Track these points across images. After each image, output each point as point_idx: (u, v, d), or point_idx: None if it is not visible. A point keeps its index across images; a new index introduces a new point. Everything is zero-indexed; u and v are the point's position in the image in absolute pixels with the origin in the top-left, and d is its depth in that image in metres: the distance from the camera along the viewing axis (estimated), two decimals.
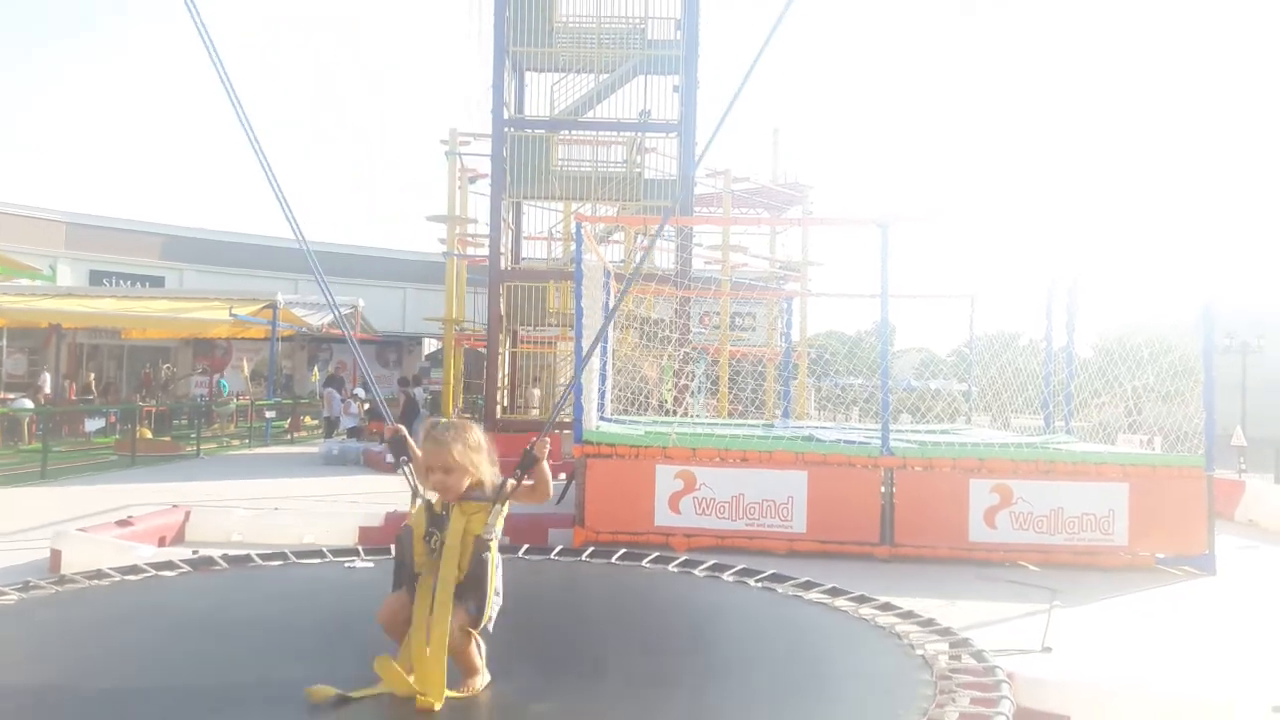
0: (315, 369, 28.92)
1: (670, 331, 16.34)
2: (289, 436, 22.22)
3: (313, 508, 11.08)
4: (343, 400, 22.02)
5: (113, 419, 19.58)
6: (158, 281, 32.97)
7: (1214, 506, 8.85)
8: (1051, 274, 12.28)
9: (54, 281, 28.69)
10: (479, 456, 3.62)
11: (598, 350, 11.67)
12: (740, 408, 16.33)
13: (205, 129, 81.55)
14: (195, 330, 25.41)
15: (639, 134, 19.29)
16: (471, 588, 3.44)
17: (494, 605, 3.52)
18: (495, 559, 3.52)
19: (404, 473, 3.79)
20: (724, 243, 22.05)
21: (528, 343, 19.96)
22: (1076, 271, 12.03)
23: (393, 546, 3.87)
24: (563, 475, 12.39)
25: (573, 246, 11.85)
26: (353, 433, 20.40)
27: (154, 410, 21.49)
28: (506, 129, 18.50)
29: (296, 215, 4.29)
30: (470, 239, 23.72)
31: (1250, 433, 17.39)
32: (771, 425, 13.35)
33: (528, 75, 20.28)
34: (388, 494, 12.31)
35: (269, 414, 21.85)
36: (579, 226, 10.50)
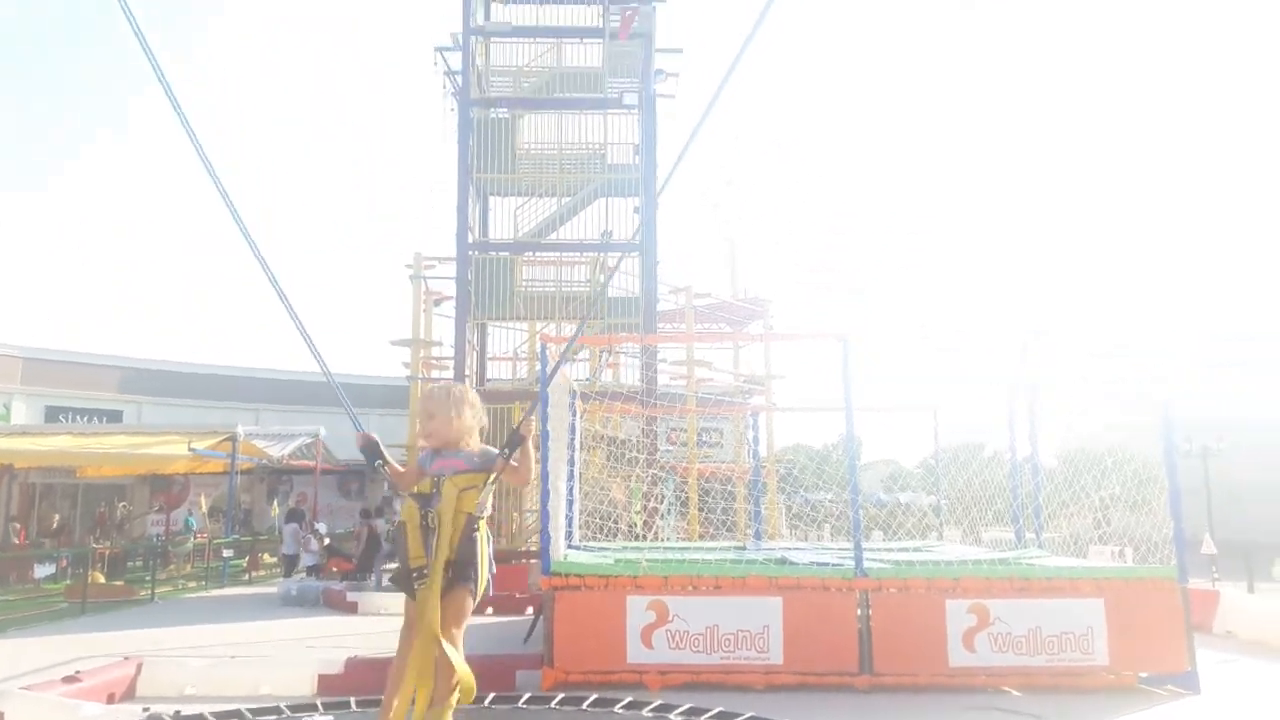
0: (275, 502, 28.31)
1: (638, 452, 16.22)
2: (247, 576, 21.56)
3: (272, 653, 10.65)
4: (303, 535, 21.48)
5: (64, 563, 18.91)
6: (115, 416, 32.39)
7: (1191, 619, 8.76)
8: (1011, 383, 12.40)
9: (8, 420, 28.14)
10: (467, 408, 3.99)
11: (564, 475, 11.52)
12: (712, 529, 16.13)
13: (164, 260, 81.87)
14: (153, 466, 24.85)
15: (601, 254, 19.59)
16: (466, 564, 3.69)
17: (488, 579, 3.80)
18: (485, 534, 3.78)
19: (382, 473, 4.04)
20: (689, 358, 22.19)
21: None
22: (1035, 379, 12.15)
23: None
24: (530, 609, 12.07)
25: (538, 366, 11.82)
26: (312, 570, 19.82)
27: (108, 552, 20.81)
28: (471, 252, 18.71)
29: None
30: (435, 362, 23.68)
31: (1219, 537, 17.42)
32: (744, 547, 13.15)
33: (492, 200, 20.66)
34: (348, 636, 11.91)
35: (226, 553, 21.22)
36: (544, 347, 10.50)
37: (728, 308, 25.02)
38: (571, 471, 12.17)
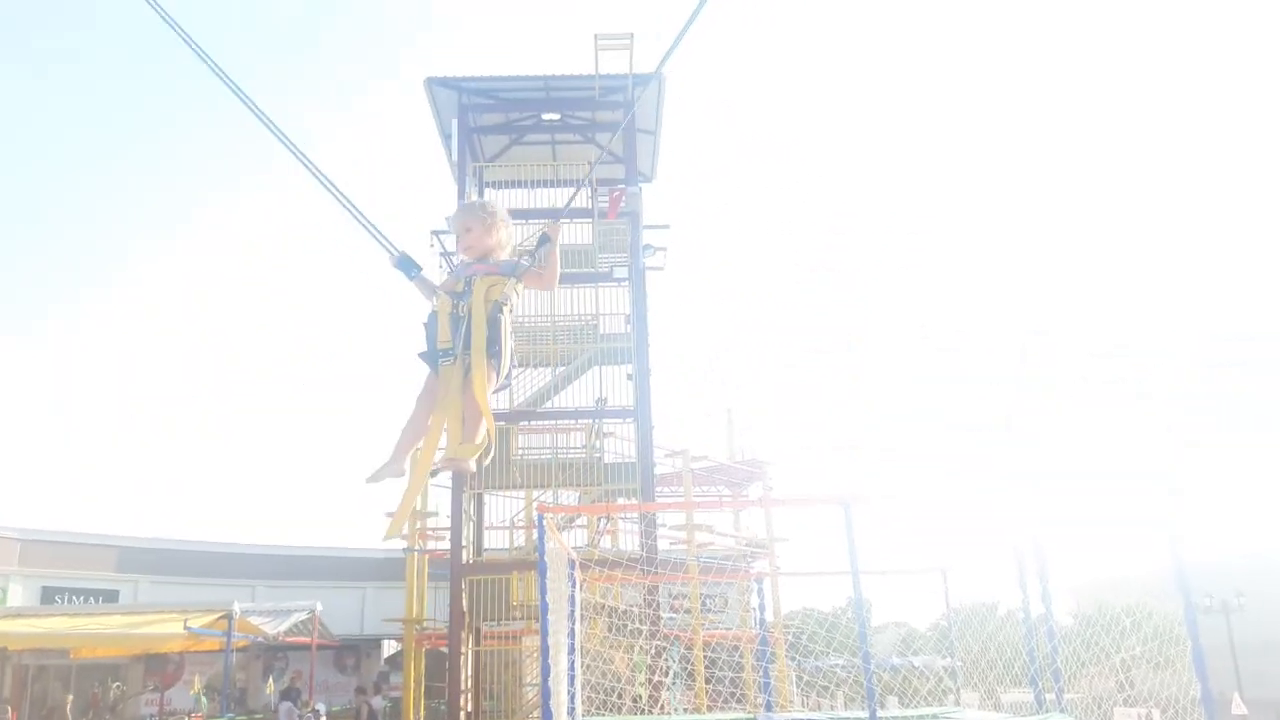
0: (270, 679, 27.37)
1: (640, 621, 15.81)
2: None
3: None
4: (300, 715, 20.68)
5: None
6: (111, 596, 31.74)
7: None
8: (1017, 540, 12.19)
9: (4, 603, 27.62)
10: (495, 222, 4.14)
11: (565, 646, 11.17)
12: (720, 699, 15.52)
13: (159, 436, 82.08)
14: (148, 646, 24.15)
15: (597, 420, 19.68)
16: (491, 344, 3.86)
17: (511, 363, 4.03)
18: (508, 323, 3.96)
19: (416, 283, 4.21)
20: (688, 523, 21.91)
21: (491, 638, 19.17)
22: (1040, 536, 11.94)
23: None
24: None
25: (535, 534, 11.64)
26: None
27: None
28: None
29: None
30: (431, 532, 23.39)
31: (1247, 695, 16.74)
32: (754, 718, 12.62)
33: None
34: None
35: None
36: (541, 517, 10.37)
37: (726, 470, 24.87)
38: (572, 644, 11.82)
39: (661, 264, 21.11)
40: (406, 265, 4.17)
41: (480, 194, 20.91)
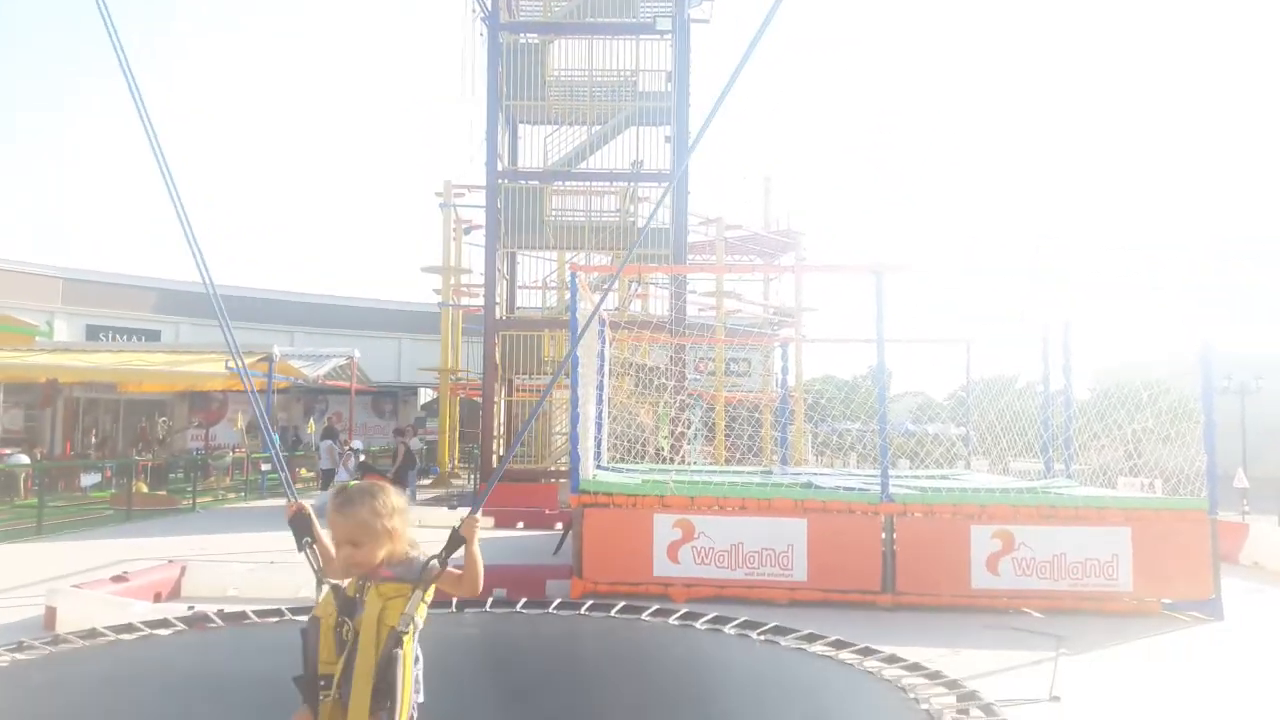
0: (311, 421, 28.82)
1: (666, 379, 16.34)
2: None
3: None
4: (340, 453, 21.90)
5: (109, 474, 19.46)
6: (154, 336, 32.94)
7: (1219, 550, 8.80)
8: (1046, 317, 12.32)
9: (51, 338, 28.66)
10: (392, 523, 3.12)
11: (593, 398, 11.66)
12: (738, 454, 16.26)
13: (203, 184, 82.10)
14: (191, 384, 25.33)
15: (632, 184, 19.47)
16: (382, 688, 2.94)
17: (412, 708, 3.04)
18: (412, 654, 3.04)
19: (307, 555, 3.28)
20: (718, 290, 22.15)
21: (523, 390, 19.95)
22: (1070, 314, 12.08)
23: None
24: (559, 525, 12.33)
25: (568, 295, 11.89)
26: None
27: (150, 464, 21.36)
28: (500, 181, 18.67)
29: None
30: (465, 289, 23.82)
31: (1251, 474, 17.35)
32: (770, 472, 13.28)
33: (521, 128, 20.52)
34: None
35: (265, 467, 21.70)
36: (574, 276, 10.53)
37: (759, 239, 24.85)
38: (600, 396, 12.31)
39: (708, 15, 19.95)
40: (301, 527, 3.31)
41: None
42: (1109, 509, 8.93)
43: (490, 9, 18.80)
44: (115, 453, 25.10)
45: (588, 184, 19.65)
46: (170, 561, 9.46)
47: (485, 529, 14.39)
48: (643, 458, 13.62)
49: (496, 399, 18.88)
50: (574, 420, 9.88)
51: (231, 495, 20.46)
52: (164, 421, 28.74)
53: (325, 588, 3.14)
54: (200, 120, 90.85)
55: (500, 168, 18.98)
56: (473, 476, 21.89)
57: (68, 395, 26.34)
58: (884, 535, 8.91)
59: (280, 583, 8.96)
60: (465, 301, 24.07)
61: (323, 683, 3.00)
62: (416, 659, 3.08)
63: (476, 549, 3.14)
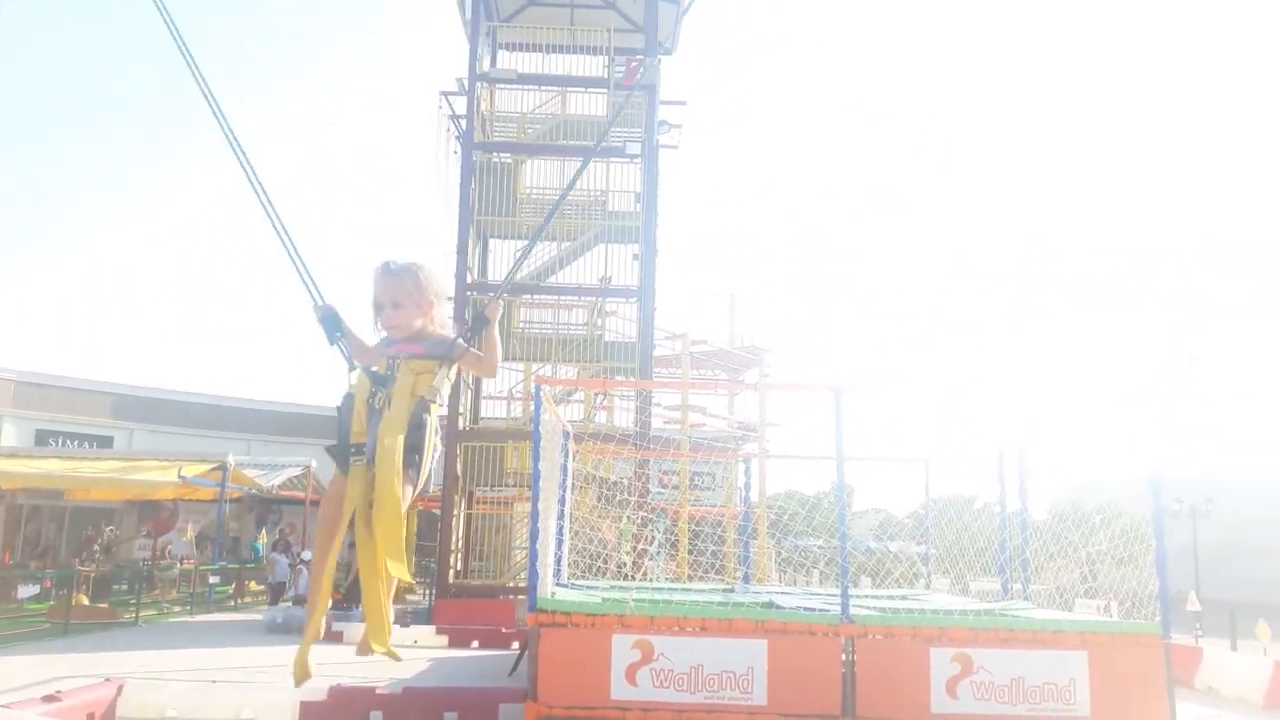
0: (263, 531, 28.18)
1: (629, 493, 16.27)
2: (233, 603, 21.43)
3: (253, 678, 10.62)
4: (291, 566, 21.42)
5: (49, 584, 18.81)
6: (106, 441, 32.29)
7: (1174, 675, 8.79)
8: (1002, 438, 12.51)
9: None
10: (431, 297, 3.53)
11: (554, 513, 11.56)
12: (700, 570, 16.12)
13: (159, 288, 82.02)
14: (142, 492, 24.73)
15: (600, 298, 19.79)
16: (411, 450, 3.30)
17: (430, 465, 3.44)
18: (435, 423, 3.43)
19: (340, 348, 3.57)
20: (683, 403, 22.29)
21: (484, 503, 19.74)
22: (1026, 436, 12.28)
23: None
24: (515, 644, 12.05)
25: (532, 406, 11.91)
26: (298, 600, 19.76)
27: (93, 574, 20.70)
28: (469, 293, 18.89)
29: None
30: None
31: (1204, 595, 17.42)
32: (732, 589, 13.15)
33: (492, 242, 20.91)
34: (332, 665, 11.82)
35: (213, 579, 21.11)
36: (538, 388, 10.58)
37: (724, 355, 25.17)
38: (562, 511, 12.22)
39: (676, 142, 20.76)
40: (330, 324, 3.56)
41: (493, 58, 20.34)
42: (1065, 633, 8.91)
43: (465, 130, 19.36)
44: (58, 562, 24.31)
45: (556, 297, 19.96)
46: (107, 680, 9.10)
47: (438, 647, 14.06)
48: (604, 574, 13.44)
49: (456, 511, 18.65)
50: (533, 536, 9.77)
51: (177, 608, 19.83)
52: (110, 530, 27.95)
53: (357, 371, 3.50)
54: (198, 217, 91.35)
55: (470, 280, 19.23)
56: (428, 592, 21.41)
57: (10, 502, 25.65)
58: (844, 657, 8.81)
59: (221, 703, 8.65)
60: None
61: (353, 450, 3.33)
62: (438, 429, 3.48)
63: (496, 334, 3.57)
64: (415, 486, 3.37)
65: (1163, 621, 8.87)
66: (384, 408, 3.33)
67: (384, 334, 3.57)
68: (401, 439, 3.26)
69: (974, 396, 10.61)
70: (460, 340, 3.52)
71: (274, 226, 3.70)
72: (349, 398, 3.44)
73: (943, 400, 10.64)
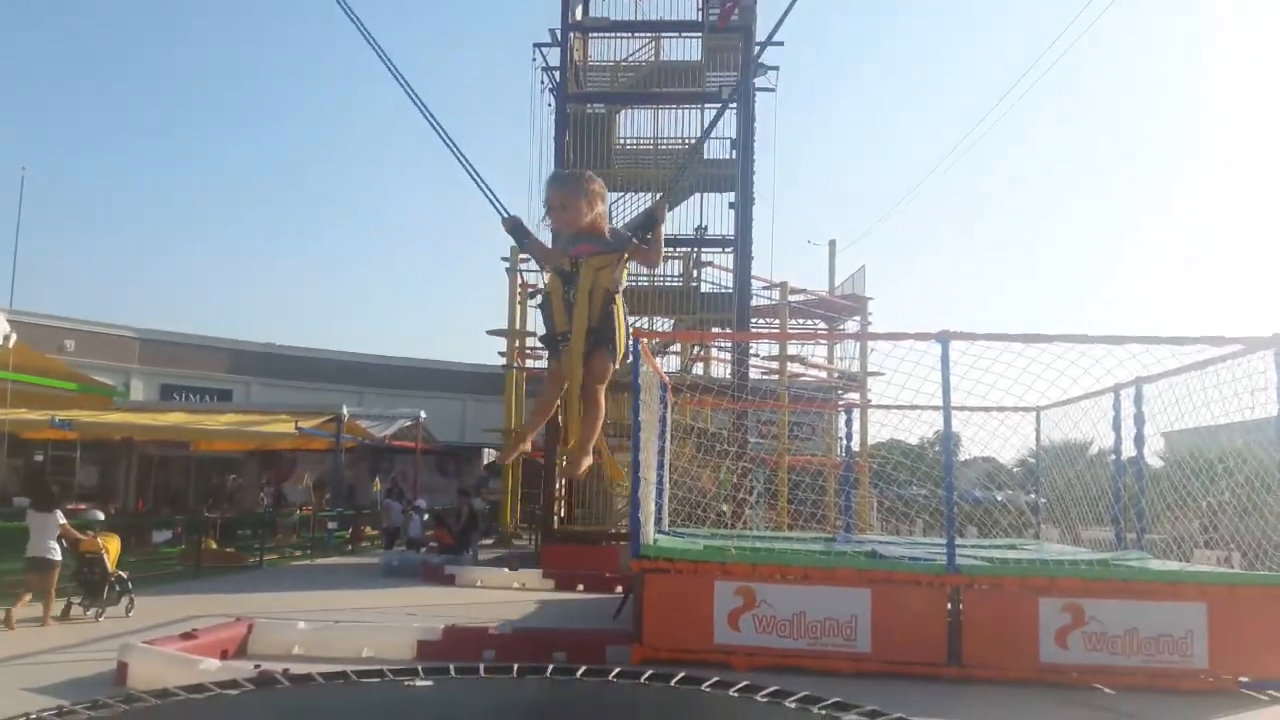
0: (377, 479, 29.23)
1: (728, 444, 16.29)
2: (350, 548, 22.37)
3: (373, 620, 11.13)
4: (404, 511, 22.19)
5: (180, 530, 19.93)
6: (225, 395, 33.78)
7: None
8: (1116, 384, 12.04)
9: (127, 397, 29.58)
10: (593, 198, 4.00)
11: (655, 462, 11.69)
12: (800, 520, 16.09)
13: (274, 245, 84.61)
14: (262, 443, 25.92)
15: (695, 249, 19.68)
16: (605, 333, 3.89)
17: (624, 344, 4.03)
18: (622, 308, 3.99)
19: (530, 248, 4.22)
20: (781, 354, 22.12)
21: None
22: (1141, 381, 11.79)
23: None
24: (619, 588, 12.29)
25: (630, 360, 12.00)
26: (412, 544, 20.50)
27: (220, 520, 21.85)
28: None
29: None
30: (529, 352, 24.12)
31: None
32: (833, 539, 13.13)
33: None
34: (445, 606, 12.30)
35: (331, 525, 22.04)
36: (635, 341, 10.65)
37: (825, 304, 24.84)
38: (661, 460, 12.34)
39: (773, 84, 20.28)
40: (517, 231, 4.08)
41: (585, 6, 20.16)
42: (1183, 584, 8.66)
43: (558, 81, 19.33)
44: (186, 509, 25.72)
45: None
46: (238, 619, 9.65)
47: (545, 590, 14.37)
48: (704, 523, 13.55)
49: (559, 461, 18.97)
50: (635, 485, 9.91)
51: (298, 553, 20.78)
52: (233, 478, 29.39)
53: (548, 272, 4.16)
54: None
55: None
56: (534, 537, 21.95)
57: (141, 453, 27.15)
58: (950, 607, 8.75)
59: (344, 642, 9.10)
60: (530, 364, 24.37)
61: (559, 337, 3.93)
62: (624, 310, 4.05)
63: (662, 230, 4.07)
64: (615, 360, 3.98)
65: None
66: (574, 301, 3.89)
67: (564, 235, 4.10)
68: (585, 330, 3.86)
69: (1084, 345, 10.18)
70: (633, 236, 4.04)
71: (452, 152, 4.22)
72: (547, 296, 4.07)
73: (1052, 349, 10.21)
